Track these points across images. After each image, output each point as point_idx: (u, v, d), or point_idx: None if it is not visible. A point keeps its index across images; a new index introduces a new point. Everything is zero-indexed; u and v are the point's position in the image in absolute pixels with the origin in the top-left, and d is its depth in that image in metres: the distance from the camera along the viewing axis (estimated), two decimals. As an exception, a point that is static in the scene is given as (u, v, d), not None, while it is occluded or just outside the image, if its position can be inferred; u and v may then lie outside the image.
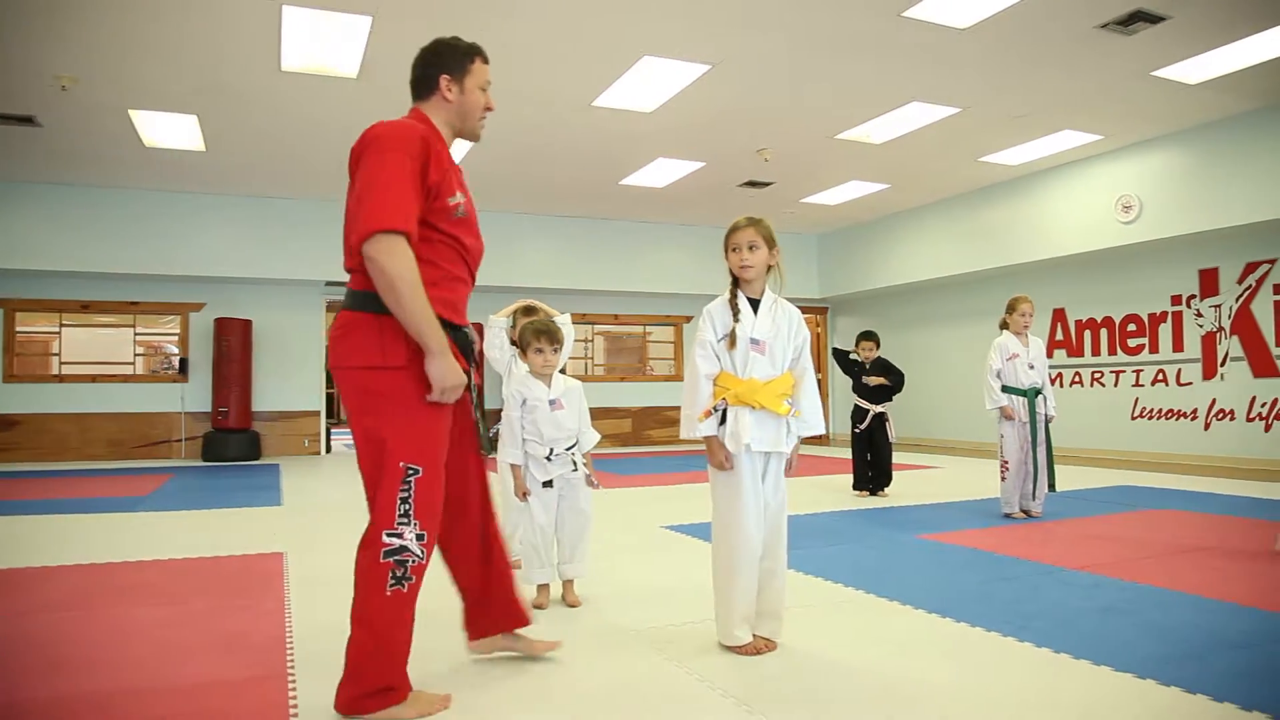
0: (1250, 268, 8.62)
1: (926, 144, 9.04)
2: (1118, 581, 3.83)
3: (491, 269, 12.07)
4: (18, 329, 11.02)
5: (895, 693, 2.51)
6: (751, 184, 10.70)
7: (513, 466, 3.60)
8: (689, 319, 14.25)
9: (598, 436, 3.74)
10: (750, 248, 2.95)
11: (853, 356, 7.47)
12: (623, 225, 12.92)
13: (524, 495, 3.55)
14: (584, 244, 12.70)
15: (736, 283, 3.02)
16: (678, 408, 12.53)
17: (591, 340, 15.09)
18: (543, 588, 3.59)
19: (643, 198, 11.37)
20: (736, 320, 2.94)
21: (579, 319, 13.45)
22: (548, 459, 3.57)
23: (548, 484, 3.58)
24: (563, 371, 3.78)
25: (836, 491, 7.44)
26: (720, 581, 2.94)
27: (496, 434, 3.65)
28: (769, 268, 3.01)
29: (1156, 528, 5.38)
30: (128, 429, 11.29)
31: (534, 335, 3.58)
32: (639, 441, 13.78)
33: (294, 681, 2.63)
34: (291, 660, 2.84)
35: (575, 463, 3.62)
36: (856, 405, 7.34)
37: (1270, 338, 8.44)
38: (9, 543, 5.11)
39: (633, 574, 4.20)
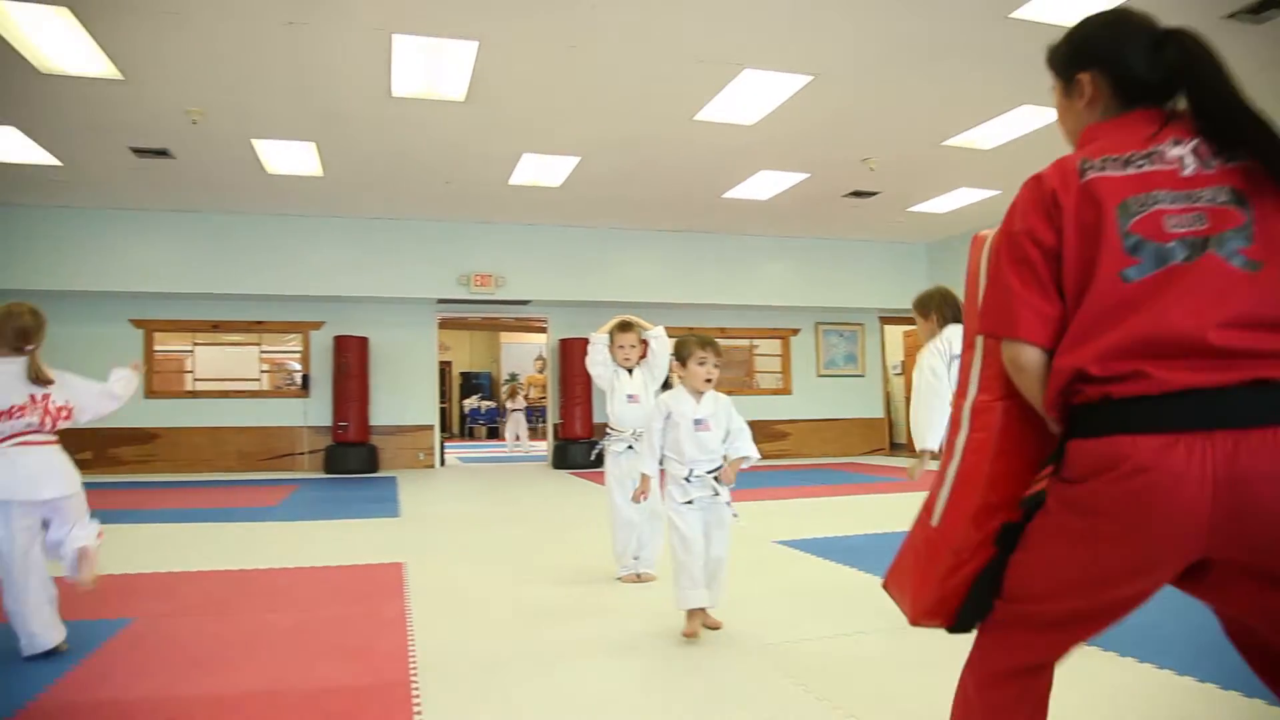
0: None
1: (1039, 148, 8.74)
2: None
3: (593, 284, 12.24)
4: (155, 348, 11.70)
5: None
6: (857, 194, 10.56)
7: (644, 476, 3.49)
8: (795, 332, 14.09)
9: (756, 456, 3.41)
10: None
11: None
12: (726, 239, 12.89)
13: (641, 496, 3.51)
14: (688, 258, 12.71)
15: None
16: (786, 420, 12.18)
17: (696, 353, 15.03)
18: (695, 613, 3.25)
19: (746, 210, 11.34)
20: None
21: (683, 333, 13.43)
22: (686, 480, 3.33)
23: (687, 503, 3.33)
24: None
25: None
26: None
27: (602, 450, 3.67)
28: None
29: None
30: (256, 442, 11.85)
31: (699, 345, 3.39)
32: (744, 454, 13.64)
33: (417, 689, 2.73)
34: (414, 668, 2.94)
35: (715, 489, 3.33)
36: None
37: None
38: (153, 548, 5.42)
39: (746, 590, 4.19)
